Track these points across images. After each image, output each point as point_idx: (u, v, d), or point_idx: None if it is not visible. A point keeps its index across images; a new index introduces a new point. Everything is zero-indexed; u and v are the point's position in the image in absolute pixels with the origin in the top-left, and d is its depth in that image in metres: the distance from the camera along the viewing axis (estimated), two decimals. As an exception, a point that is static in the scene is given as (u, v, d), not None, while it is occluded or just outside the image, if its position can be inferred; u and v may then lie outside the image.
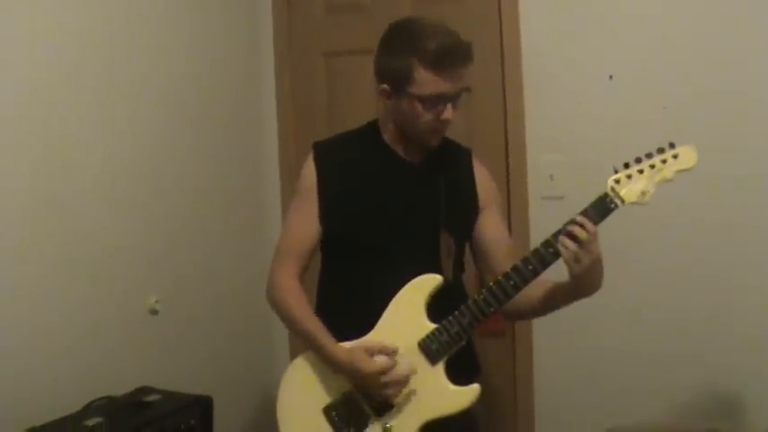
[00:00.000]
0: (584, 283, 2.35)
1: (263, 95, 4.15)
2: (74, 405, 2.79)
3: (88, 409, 2.80)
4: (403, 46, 2.40)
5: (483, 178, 2.68)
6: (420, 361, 2.41)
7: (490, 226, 2.65)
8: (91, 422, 2.66)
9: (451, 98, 2.41)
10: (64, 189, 2.91)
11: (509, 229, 3.51)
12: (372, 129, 2.64)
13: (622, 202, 2.29)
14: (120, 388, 2.97)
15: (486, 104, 3.66)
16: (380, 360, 2.39)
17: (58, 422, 2.67)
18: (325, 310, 2.62)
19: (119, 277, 3.15)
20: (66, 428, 2.65)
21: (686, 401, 3.39)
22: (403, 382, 2.40)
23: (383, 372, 2.38)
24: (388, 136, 2.59)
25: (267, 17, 4.15)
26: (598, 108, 3.46)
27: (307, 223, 2.59)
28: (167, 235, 3.42)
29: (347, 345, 2.46)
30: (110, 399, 2.88)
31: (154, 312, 3.31)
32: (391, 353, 2.41)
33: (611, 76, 3.43)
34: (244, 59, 4.05)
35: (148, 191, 3.32)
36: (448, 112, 2.41)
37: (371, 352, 2.41)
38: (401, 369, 2.40)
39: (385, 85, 2.46)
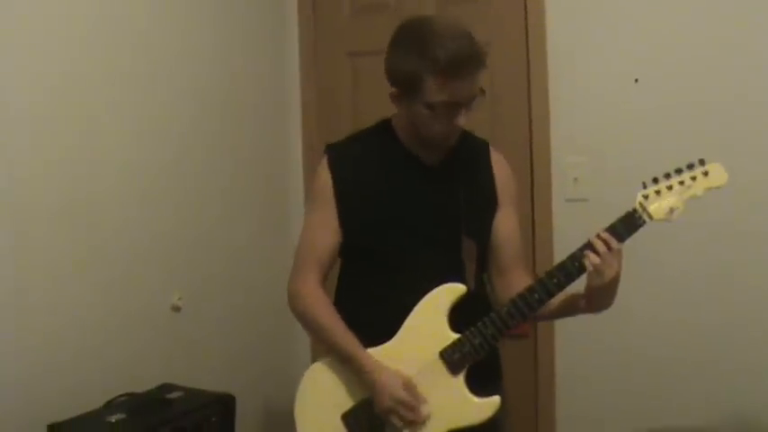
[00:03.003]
0: (598, 299, 2.34)
1: (288, 95, 4.16)
2: (96, 401, 2.80)
3: (110, 406, 2.80)
4: (411, 52, 2.30)
5: (501, 174, 2.61)
6: (441, 371, 2.39)
7: (504, 224, 2.59)
8: (113, 418, 2.67)
9: (463, 104, 2.33)
10: (87, 188, 2.92)
11: (533, 231, 3.54)
12: (387, 128, 2.57)
13: (650, 218, 2.25)
14: (143, 385, 2.97)
15: (512, 107, 3.65)
16: (409, 397, 2.37)
17: (81, 418, 2.68)
18: (343, 316, 2.56)
19: (142, 274, 3.16)
20: (88, 425, 2.67)
21: (709, 407, 3.37)
22: (413, 424, 2.38)
23: (407, 408, 2.36)
24: (403, 136, 2.52)
25: (293, 17, 4.16)
26: (623, 111, 3.45)
27: (326, 230, 2.54)
28: (191, 233, 3.43)
29: (377, 350, 2.44)
30: (132, 395, 2.88)
31: (176, 309, 3.32)
32: (421, 400, 2.38)
33: (636, 80, 3.41)
34: (269, 59, 4.07)
35: (172, 189, 3.33)
36: (461, 119, 2.34)
37: (406, 387, 2.37)
38: (420, 413, 2.38)
39: (394, 90, 2.39)
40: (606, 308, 2.38)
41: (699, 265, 3.36)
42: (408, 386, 2.38)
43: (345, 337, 2.46)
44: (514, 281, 2.52)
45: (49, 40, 2.77)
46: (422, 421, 2.38)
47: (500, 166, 2.62)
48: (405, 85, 2.35)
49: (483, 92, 2.38)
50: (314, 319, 2.53)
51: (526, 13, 3.62)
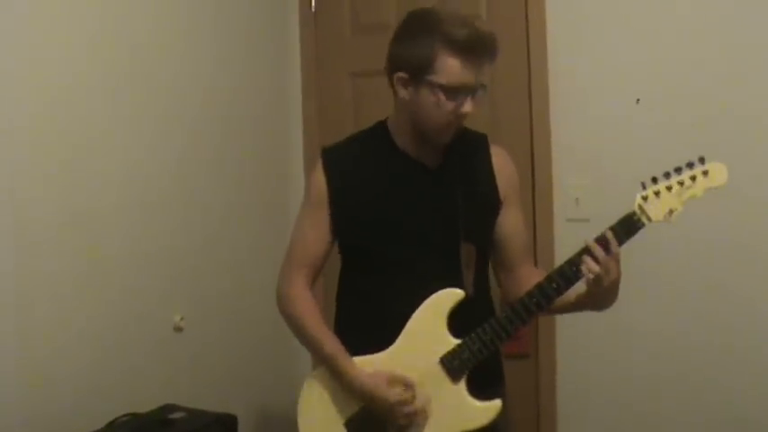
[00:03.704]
0: (599, 300, 2.35)
1: (289, 114, 4.18)
2: (98, 422, 2.79)
3: (112, 426, 2.80)
4: (427, 32, 2.29)
5: (502, 168, 2.59)
6: (441, 377, 2.39)
7: (507, 220, 2.58)
8: (115, 439, 2.68)
9: (472, 90, 2.33)
10: (89, 206, 2.92)
11: (534, 250, 3.53)
12: (382, 131, 2.56)
13: (649, 220, 2.24)
14: (145, 405, 2.97)
15: (513, 126, 3.66)
16: (399, 392, 2.38)
17: (83, 438, 2.69)
18: (344, 322, 2.61)
19: (144, 294, 3.16)
20: (90, 445, 2.67)
21: (708, 415, 3.38)
22: (417, 415, 2.39)
23: (402, 404, 2.37)
24: (399, 138, 2.50)
25: (294, 37, 4.17)
26: (625, 131, 3.46)
27: (318, 234, 2.55)
28: (193, 253, 3.44)
29: (363, 359, 2.45)
30: (134, 416, 2.88)
31: (178, 330, 3.32)
32: (411, 385, 2.39)
33: (638, 100, 3.42)
34: (271, 79, 4.08)
35: (174, 209, 3.33)
36: (468, 106, 2.33)
37: (392, 381, 2.39)
38: (418, 402, 2.39)
39: (402, 74, 2.36)
40: (609, 306, 2.38)
41: (700, 278, 3.37)
42: (394, 381, 2.39)
43: (331, 348, 2.48)
44: (524, 276, 2.53)
45: (50, 48, 2.78)
46: (421, 409, 2.39)
47: (500, 160, 2.60)
48: (416, 68, 2.33)
49: (485, 86, 2.38)
50: (302, 326, 2.55)
51: (527, 32, 3.64)
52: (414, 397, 2.39)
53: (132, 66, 3.13)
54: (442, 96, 2.32)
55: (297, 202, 4.02)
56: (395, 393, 2.37)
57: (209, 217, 3.55)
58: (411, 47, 2.34)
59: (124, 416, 2.87)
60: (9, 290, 2.64)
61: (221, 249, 3.63)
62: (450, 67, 2.29)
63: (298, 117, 4.18)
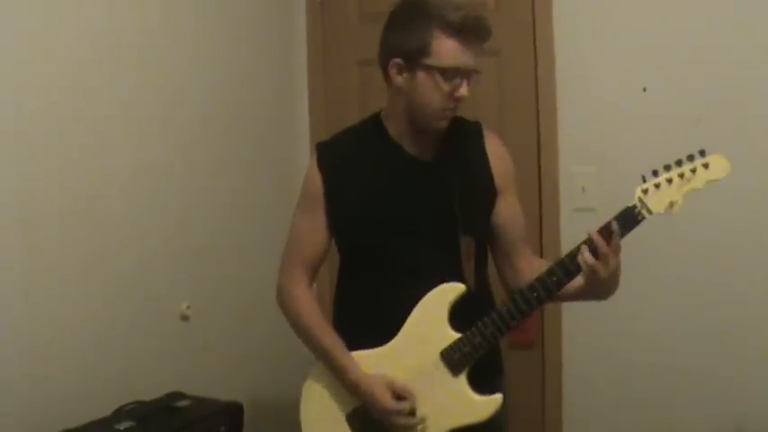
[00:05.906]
0: (598, 290, 2.33)
1: (296, 102, 4.17)
2: (104, 409, 2.79)
3: (119, 414, 2.80)
4: (422, 17, 2.31)
5: (497, 158, 2.57)
6: (442, 371, 2.39)
7: (504, 209, 2.56)
8: (121, 427, 2.67)
9: (468, 73, 2.33)
10: (96, 194, 2.93)
11: (540, 240, 3.54)
12: (376, 124, 2.55)
13: (649, 212, 2.22)
14: (151, 393, 2.97)
15: (519, 116, 3.66)
16: (401, 403, 2.39)
17: (89, 426, 2.68)
18: (343, 317, 2.61)
19: (150, 283, 3.16)
20: (96, 433, 2.67)
21: (712, 413, 3.38)
22: (411, 426, 2.40)
23: (397, 413, 2.38)
24: (394, 131, 2.49)
25: (301, 24, 4.16)
26: (631, 120, 3.45)
27: (315, 230, 2.56)
28: (199, 241, 3.44)
29: (363, 353, 2.46)
30: (140, 404, 2.88)
31: (185, 318, 3.33)
32: (410, 397, 2.39)
33: (644, 89, 3.42)
34: (277, 66, 4.07)
35: (181, 198, 3.34)
36: (464, 89, 2.33)
37: (392, 389, 2.39)
38: (418, 410, 2.39)
39: (398, 59, 2.37)
40: (610, 295, 2.36)
41: (703, 271, 3.37)
42: (395, 389, 2.39)
43: (332, 347, 2.48)
44: (523, 265, 2.53)
45: (56, 43, 2.78)
46: (418, 421, 2.39)
47: (495, 149, 2.59)
48: (411, 53, 2.34)
49: (479, 72, 2.38)
50: (304, 326, 2.55)
51: (534, 23, 3.63)
52: (414, 408, 2.39)
53: (139, 55, 3.12)
54: (439, 78, 2.32)
55: (302, 192, 4.07)
56: (390, 402, 2.38)
57: (216, 205, 3.55)
58: (406, 32, 2.35)
59: (130, 404, 2.87)
60: (16, 279, 2.64)
61: (228, 238, 3.63)
62: (447, 50, 2.30)
63: (304, 105, 4.18)
